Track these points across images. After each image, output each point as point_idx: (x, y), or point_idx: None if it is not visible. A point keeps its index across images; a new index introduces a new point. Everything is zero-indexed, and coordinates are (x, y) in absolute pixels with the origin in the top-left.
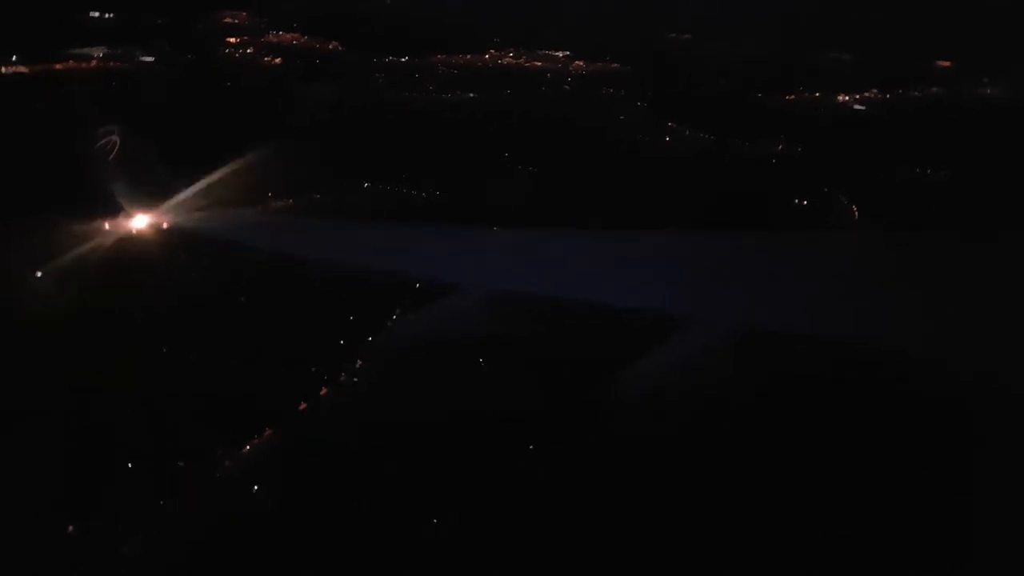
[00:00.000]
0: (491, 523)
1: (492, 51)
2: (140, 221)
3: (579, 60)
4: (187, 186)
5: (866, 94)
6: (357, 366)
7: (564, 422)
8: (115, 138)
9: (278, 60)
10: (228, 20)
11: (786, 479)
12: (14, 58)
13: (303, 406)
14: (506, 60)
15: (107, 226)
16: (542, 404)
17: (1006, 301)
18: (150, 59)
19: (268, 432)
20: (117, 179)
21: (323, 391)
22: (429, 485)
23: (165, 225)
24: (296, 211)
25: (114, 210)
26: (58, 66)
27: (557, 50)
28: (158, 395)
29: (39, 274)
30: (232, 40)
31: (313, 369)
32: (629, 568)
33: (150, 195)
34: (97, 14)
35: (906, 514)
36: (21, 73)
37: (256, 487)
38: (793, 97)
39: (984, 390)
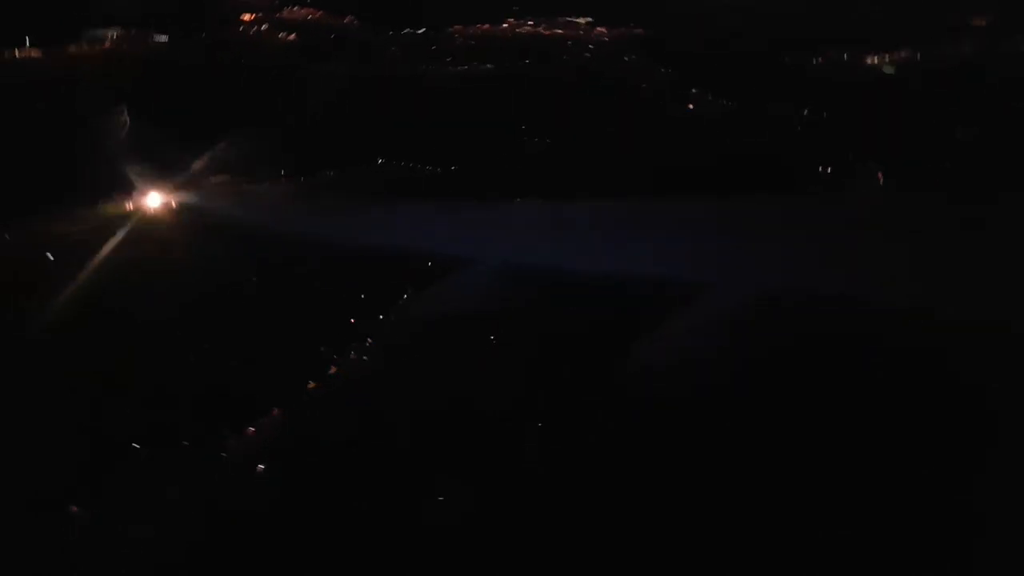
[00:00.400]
0: (508, 503)
1: (511, 20)
2: (152, 200)
3: (601, 26)
4: (197, 165)
5: (897, 54)
6: (367, 344)
7: (583, 395)
8: (125, 118)
9: (292, 36)
10: None
11: (818, 445)
12: (27, 41)
13: (312, 385)
14: (525, 29)
15: (118, 205)
16: (559, 378)
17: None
18: (163, 39)
19: (276, 412)
20: (128, 159)
21: (333, 370)
22: (440, 464)
23: (174, 204)
24: (306, 188)
25: (126, 189)
26: (71, 49)
27: (579, 16)
28: (166, 376)
29: (50, 255)
30: (246, 18)
31: (323, 348)
32: (660, 547)
33: (161, 174)
34: None
35: (941, 493)
36: (33, 56)
37: (263, 467)
38: (822, 59)
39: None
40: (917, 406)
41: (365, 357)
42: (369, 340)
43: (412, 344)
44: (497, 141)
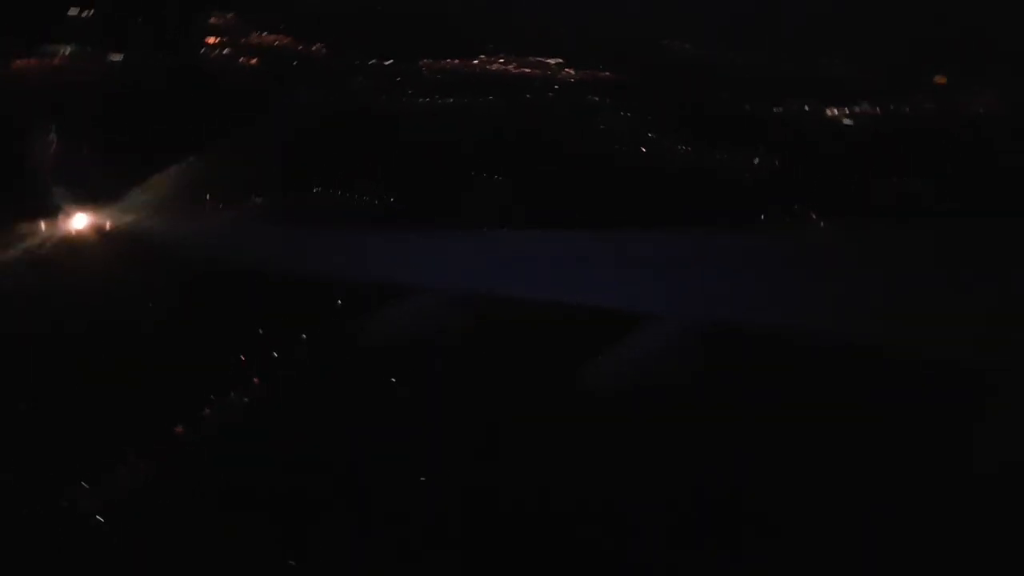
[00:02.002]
0: (452, 522)
1: (482, 56)
2: (78, 221)
3: (570, 67)
4: (132, 188)
5: (856, 108)
6: (307, 366)
7: (529, 419)
8: (52, 136)
9: (254, 61)
10: (213, 21)
11: (751, 473)
12: None
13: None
14: (494, 66)
15: (43, 226)
16: (507, 401)
17: (967, 294)
18: (117, 58)
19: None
20: (55, 179)
21: (276, 389)
22: (386, 479)
23: (106, 226)
24: (249, 214)
25: (52, 210)
26: (17, 63)
27: (549, 57)
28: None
29: None
30: (211, 40)
31: (264, 370)
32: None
33: (91, 196)
34: (76, 11)
35: (869, 512)
36: None
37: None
38: (781, 109)
39: (946, 381)
40: (856, 434)
41: (306, 377)
42: (310, 362)
43: (359, 365)
44: (452, 172)
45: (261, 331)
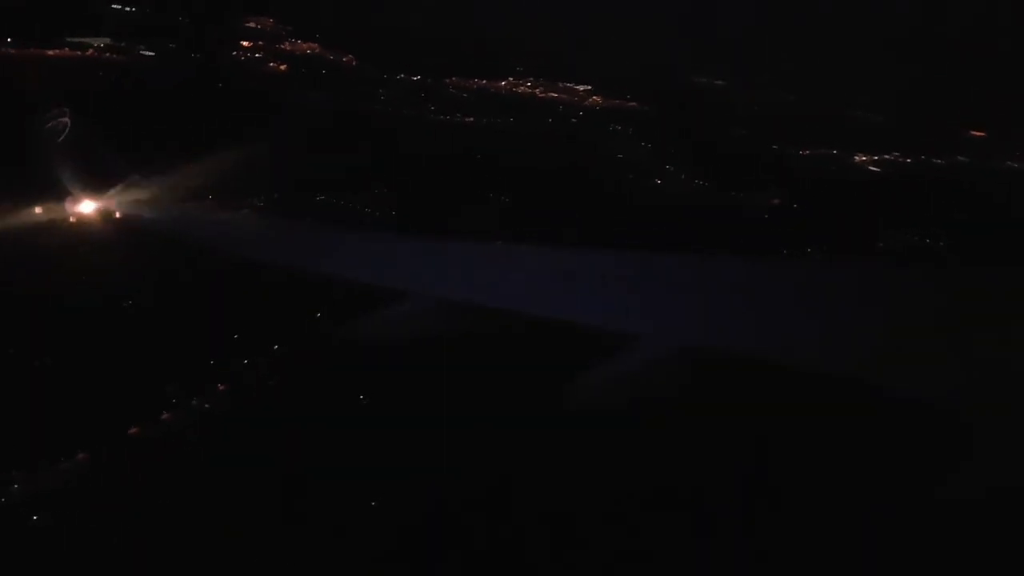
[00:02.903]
0: (428, 528)
1: (511, 78)
2: (85, 205)
3: (598, 96)
4: (144, 177)
5: (887, 156)
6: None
7: (508, 430)
8: (65, 120)
9: (283, 67)
10: (250, 25)
11: (723, 492)
12: (9, 40)
13: (239, 403)
14: (521, 88)
15: (50, 209)
16: (487, 412)
17: (942, 329)
18: (150, 54)
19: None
20: (66, 163)
21: (264, 388)
22: (367, 481)
23: (114, 213)
24: (256, 211)
25: (60, 194)
26: (50, 52)
27: (580, 84)
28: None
29: None
30: (245, 43)
31: (257, 366)
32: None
33: (100, 182)
34: (119, 6)
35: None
36: (8, 55)
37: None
38: (807, 152)
39: (917, 416)
40: (828, 460)
41: (296, 377)
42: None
43: (344, 368)
44: (460, 186)
45: (248, 329)
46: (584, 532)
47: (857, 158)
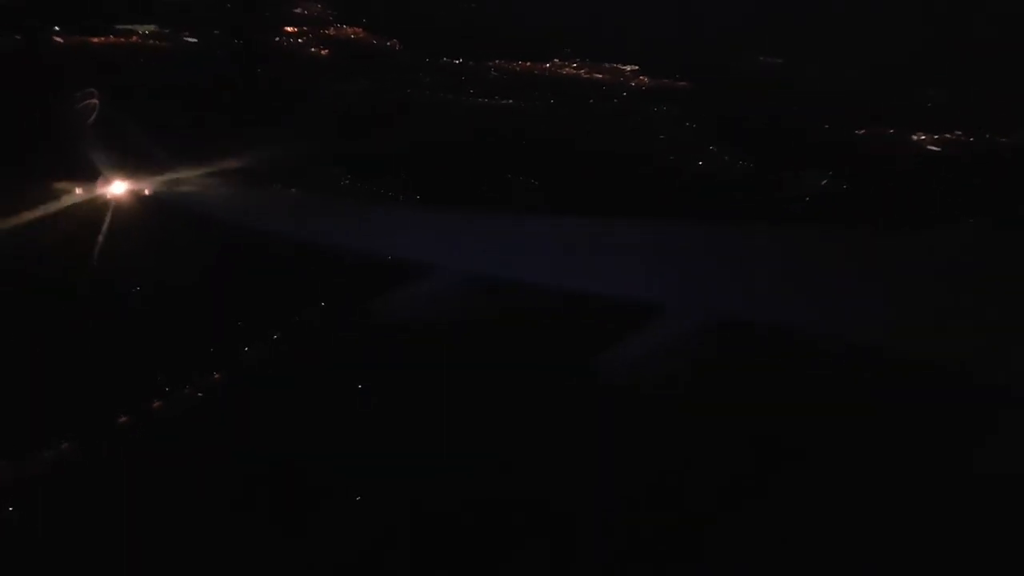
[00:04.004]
0: (462, 510)
1: (556, 60)
2: (118, 187)
3: (645, 76)
4: (176, 159)
5: (948, 136)
6: (329, 341)
7: (538, 407)
8: (94, 102)
9: (324, 52)
10: (297, 10)
11: (759, 468)
12: (56, 27)
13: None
14: (566, 70)
15: (88, 189)
16: (517, 388)
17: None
18: (193, 40)
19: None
20: (96, 144)
21: (297, 365)
22: (396, 462)
23: (145, 192)
24: (287, 190)
25: (93, 175)
26: (95, 39)
27: (627, 64)
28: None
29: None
30: (289, 29)
31: (288, 343)
32: (603, 560)
33: (131, 163)
34: None
35: (876, 509)
36: (55, 40)
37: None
38: (865, 132)
39: (951, 383)
40: (860, 433)
41: (327, 353)
42: (331, 337)
43: (374, 344)
44: (491, 165)
45: (261, 310)
46: (622, 509)
47: (916, 136)
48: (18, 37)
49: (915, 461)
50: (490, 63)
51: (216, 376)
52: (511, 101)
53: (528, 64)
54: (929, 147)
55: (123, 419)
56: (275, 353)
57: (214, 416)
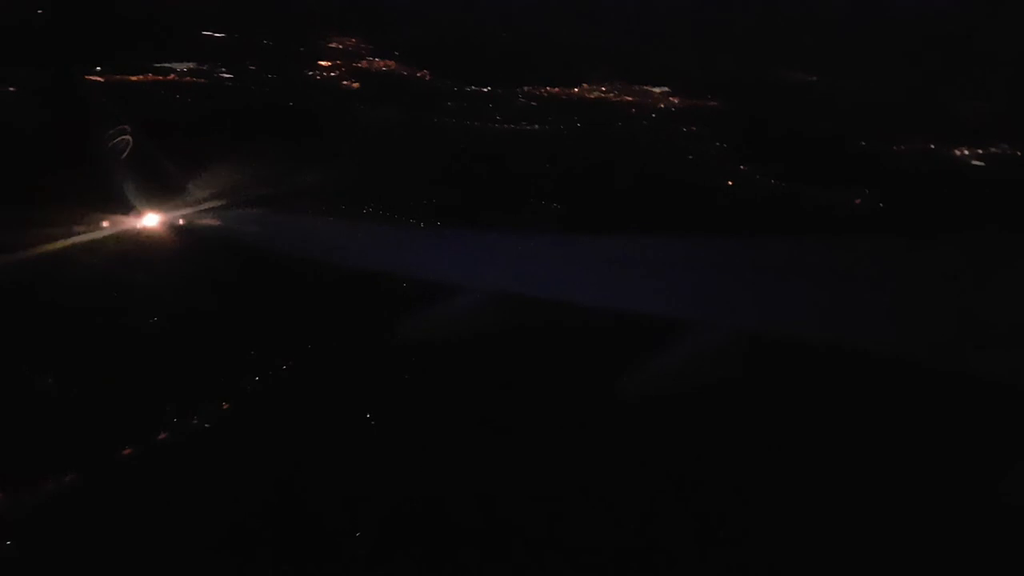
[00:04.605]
0: (489, 521)
1: (585, 84)
2: (150, 219)
3: (676, 96)
4: (206, 189)
5: (993, 150)
6: (360, 361)
7: (565, 423)
8: (127, 138)
9: (355, 84)
10: (333, 45)
11: (785, 481)
12: (98, 68)
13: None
14: (594, 94)
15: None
16: (544, 405)
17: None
18: (229, 76)
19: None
20: (129, 178)
21: (328, 384)
22: (426, 480)
23: (178, 222)
24: (312, 214)
25: (126, 207)
26: (133, 77)
27: (658, 85)
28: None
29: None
30: (324, 63)
31: (319, 364)
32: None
33: (160, 194)
34: (210, 33)
35: (903, 516)
36: (94, 80)
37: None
38: (903, 148)
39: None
40: (887, 443)
41: (358, 373)
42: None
43: (403, 364)
44: (509, 189)
45: (296, 324)
46: (648, 519)
47: (957, 152)
48: (55, 75)
49: (934, 472)
50: (519, 89)
51: (239, 396)
52: (537, 126)
53: (557, 89)
54: (973, 162)
55: (161, 436)
56: (299, 375)
57: (236, 437)
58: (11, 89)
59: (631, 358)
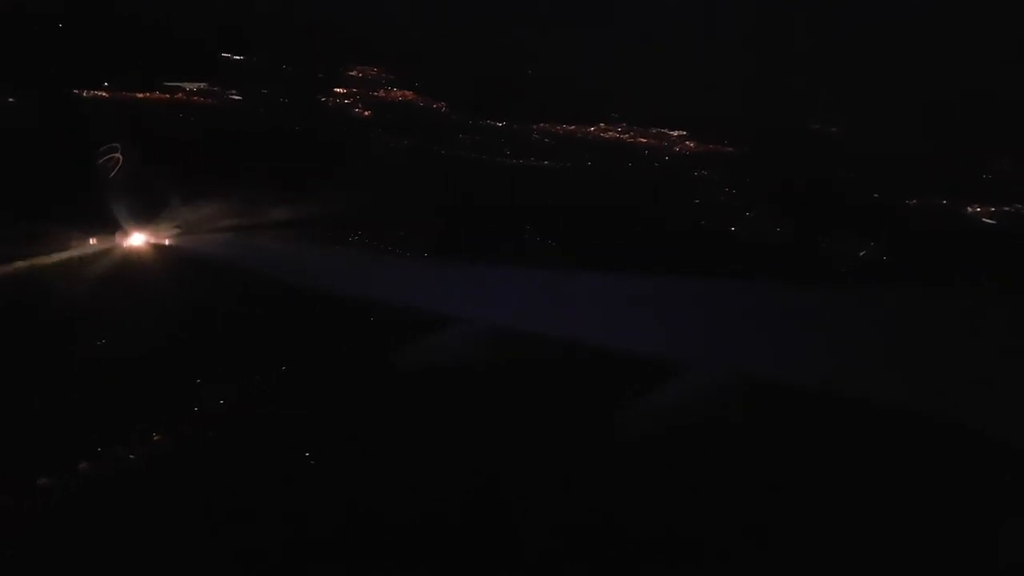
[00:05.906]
0: (476, 551)
1: (601, 123)
2: (134, 238)
3: (692, 140)
4: (192, 210)
5: (1008, 208)
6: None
7: (557, 457)
8: (117, 156)
9: (367, 113)
10: (353, 73)
11: (772, 519)
12: (106, 83)
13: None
14: (609, 134)
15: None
16: (536, 439)
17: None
18: (237, 98)
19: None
20: (115, 196)
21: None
22: (417, 504)
23: (162, 243)
24: (310, 242)
25: (111, 225)
26: (139, 94)
27: (675, 128)
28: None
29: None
30: (339, 90)
31: (315, 391)
32: None
33: (147, 215)
34: (230, 55)
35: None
36: (99, 97)
37: None
38: (916, 203)
39: (970, 443)
40: (871, 490)
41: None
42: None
43: (396, 392)
44: (509, 223)
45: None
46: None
47: (970, 209)
48: (42, 93)
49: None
50: (535, 125)
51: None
52: (547, 162)
53: (573, 127)
54: (984, 219)
55: (156, 438)
56: (297, 400)
57: (230, 458)
58: (10, 100)
59: (625, 396)
